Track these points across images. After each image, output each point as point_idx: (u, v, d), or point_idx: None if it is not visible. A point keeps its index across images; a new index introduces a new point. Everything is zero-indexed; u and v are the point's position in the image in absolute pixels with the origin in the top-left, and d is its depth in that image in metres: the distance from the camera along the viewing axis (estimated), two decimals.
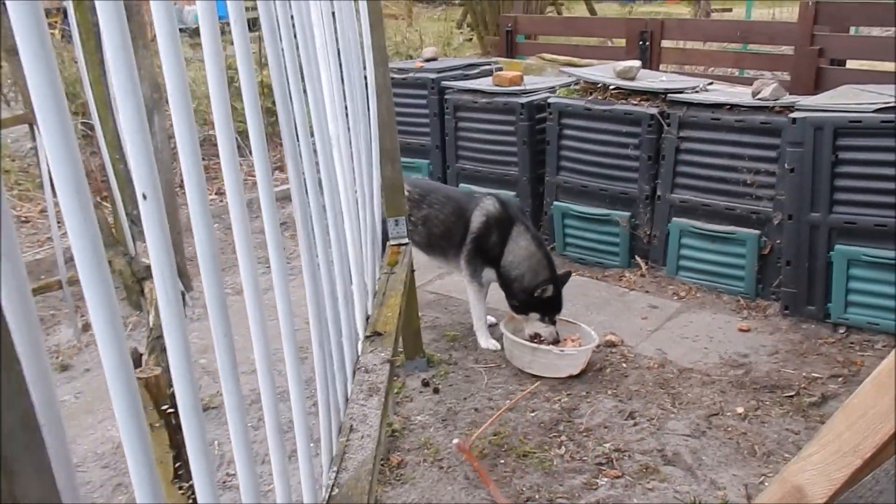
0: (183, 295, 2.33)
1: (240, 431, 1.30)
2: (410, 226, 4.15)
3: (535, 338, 4.06)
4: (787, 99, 4.64)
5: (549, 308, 3.99)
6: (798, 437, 3.39)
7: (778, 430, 3.43)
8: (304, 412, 1.69)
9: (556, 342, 3.99)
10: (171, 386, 1.31)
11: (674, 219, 5.02)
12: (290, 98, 1.75)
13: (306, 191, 1.81)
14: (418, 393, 3.79)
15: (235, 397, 1.27)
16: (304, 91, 1.98)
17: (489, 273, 4.20)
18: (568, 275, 4.21)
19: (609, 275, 5.29)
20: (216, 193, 6.39)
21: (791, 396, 3.69)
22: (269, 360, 1.47)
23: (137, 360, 1.93)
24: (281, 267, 1.57)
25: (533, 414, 3.58)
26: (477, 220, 4.17)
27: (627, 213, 5.20)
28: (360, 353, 2.49)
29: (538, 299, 3.94)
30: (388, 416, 3.43)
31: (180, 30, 1.19)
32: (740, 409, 3.58)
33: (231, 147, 1.31)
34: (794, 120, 4.29)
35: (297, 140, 1.77)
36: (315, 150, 2.09)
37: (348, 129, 2.62)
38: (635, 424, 3.49)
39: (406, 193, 4.06)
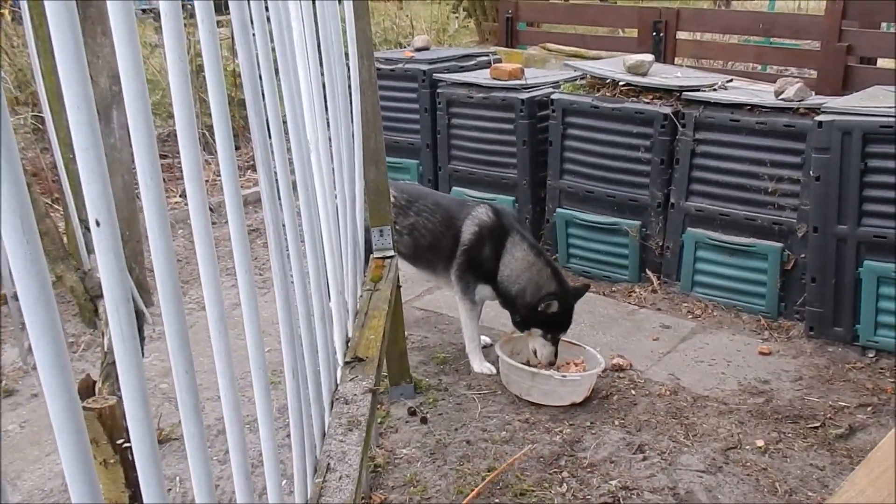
0: (139, 316, 2.30)
1: (202, 474, 1.27)
2: (395, 235, 4.14)
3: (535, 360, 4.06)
4: (813, 100, 4.66)
5: (554, 325, 3.98)
6: (823, 472, 3.38)
7: (801, 466, 3.42)
8: (274, 448, 1.66)
9: (550, 364, 3.98)
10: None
11: (688, 229, 5.02)
12: (262, 92, 1.73)
13: (279, 194, 1.80)
14: (404, 423, 3.77)
15: (196, 439, 1.24)
16: (279, 83, 1.96)
17: (483, 290, 4.19)
18: (584, 288, 4.15)
19: (617, 290, 5.28)
20: (181, 196, 6.37)
21: (816, 428, 3.69)
22: (235, 390, 1.45)
23: (91, 389, 1.90)
24: (248, 280, 1.55)
25: (532, 447, 3.56)
26: (468, 231, 4.16)
27: (637, 223, 5.20)
28: (338, 382, 2.47)
29: (543, 315, 3.94)
30: (370, 450, 3.40)
31: (146, 10, 1.17)
32: (760, 442, 3.57)
33: (192, 142, 1.29)
34: (819, 123, 4.31)
35: (269, 137, 1.75)
36: (290, 150, 2.08)
37: (328, 127, 2.61)
38: (644, 459, 3.48)
39: (392, 199, 4.04)
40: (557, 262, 5.47)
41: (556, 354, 4.01)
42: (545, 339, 4.00)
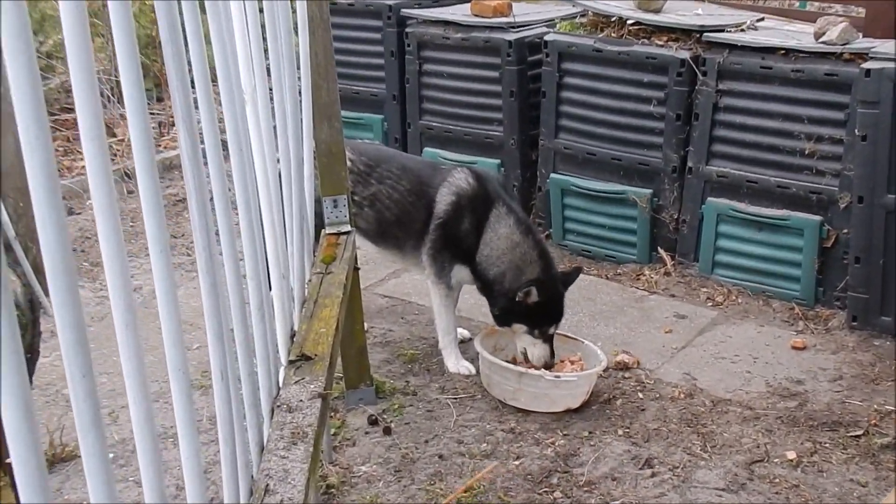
0: (35, 307, 2.27)
1: (104, 500, 1.26)
2: (354, 207, 4.11)
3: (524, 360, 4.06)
4: (860, 43, 4.67)
5: (539, 318, 3.99)
6: (865, 489, 3.42)
7: (840, 482, 3.46)
8: (199, 466, 1.65)
9: (547, 367, 3.98)
10: None
11: (709, 199, 5.03)
12: (183, 28, 1.70)
13: (204, 156, 1.77)
14: (363, 434, 3.76)
15: (97, 458, 1.23)
16: (205, 18, 1.92)
17: (461, 272, 4.19)
18: (575, 273, 4.20)
19: (623, 273, 5.29)
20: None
21: (858, 436, 3.72)
22: (146, 396, 1.43)
23: None
24: (164, 262, 1.52)
25: (518, 462, 3.56)
26: (444, 200, 4.15)
27: (648, 191, 5.20)
28: (281, 385, 2.45)
29: (523, 306, 3.95)
30: (321, 468, 3.40)
31: None
32: (792, 454, 3.60)
33: (89, 89, 1.25)
34: (867, 72, 4.32)
35: (192, 87, 1.73)
36: (220, 102, 2.05)
37: (268, 74, 2.58)
38: (653, 475, 3.49)
39: (349, 164, 4.01)
40: (550, 240, 5.49)
41: (552, 354, 4.02)
42: (533, 337, 4.01)
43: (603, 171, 5.36)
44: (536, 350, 4.00)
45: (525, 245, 4.05)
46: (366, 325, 4.11)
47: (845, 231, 4.62)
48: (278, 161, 2.72)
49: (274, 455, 2.10)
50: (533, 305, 3.93)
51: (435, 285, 4.23)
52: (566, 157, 5.47)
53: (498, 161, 5.74)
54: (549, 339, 4.02)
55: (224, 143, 1.97)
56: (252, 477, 2.04)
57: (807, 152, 4.68)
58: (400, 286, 5.11)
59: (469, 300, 4.60)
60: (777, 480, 3.46)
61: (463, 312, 4.64)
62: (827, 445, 3.67)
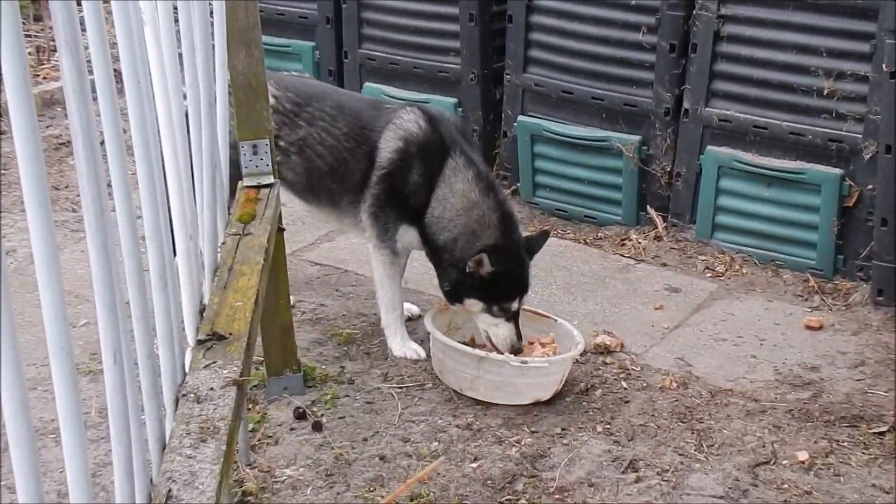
0: None
1: None
2: (279, 155, 4.09)
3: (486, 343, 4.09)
4: None
5: (497, 292, 3.99)
6: (889, 496, 3.48)
7: (860, 487, 3.51)
8: (85, 467, 1.64)
9: (515, 351, 4.01)
10: None
11: (709, 148, 5.07)
12: None
13: (93, 88, 1.75)
14: (288, 430, 3.76)
15: None
16: None
17: (409, 234, 4.20)
18: (541, 237, 4.23)
19: (605, 237, 5.33)
20: None
21: (881, 433, 3.79)
22: (21, 383, 1.42)
23: None
24: (44, 219, 1.51)
25: (476, 465, 3.58)
26: (389, 146, 4.15)
27: (636, 138, 5.24)
28: (187, 370, 2.43)
29: (476, 278, 3.96)
30: (235, 470, 3.39)
31: None
32: (803, 455, 3.64)
33: None
34: None
35: (78, 5, 1.71)
36: (112, 23, 2.02)
37: None
38: (638, 480, 3.53)
39: (272, 101, 3.97)
40: (517, 197, 5.51)
41: (519, 335, 4.04)
42: (492, 315, 4.02)
43: (581, 114, 5.37)
44: (500, 331, 4.02)
45: (484, 206, 4.05)
46: (292, 298, 4.10)
47: (870, 187, 4.68)
48: (185, 97, 2.69)
49: (178, 454, 2.09)
50: (488, 277, 3.94)
51: (377, 250, 4.23)
52: (537, 96, 5.48)
53: (454, 100, 5.74)
54: (513, 318, 4.04)
55: (118, 74, 1.95)
56: (151, 481, 2.03)
57: (825, 92, 4.73)
58: (334, 252, 5.10)
59: (419, 269, 4.61)
60: (786, 486, 3.51)
61: (411, 284, 4.65)
62: (845, 444, 3.73)
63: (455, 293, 4.07)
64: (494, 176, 4.42)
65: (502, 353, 3.98)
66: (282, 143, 4.17)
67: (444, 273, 4.09)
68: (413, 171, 4.13)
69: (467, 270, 3.95)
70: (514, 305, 4.04)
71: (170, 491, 1.99)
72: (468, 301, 4.04)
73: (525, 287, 4.07)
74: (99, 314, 1.77)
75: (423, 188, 4.11)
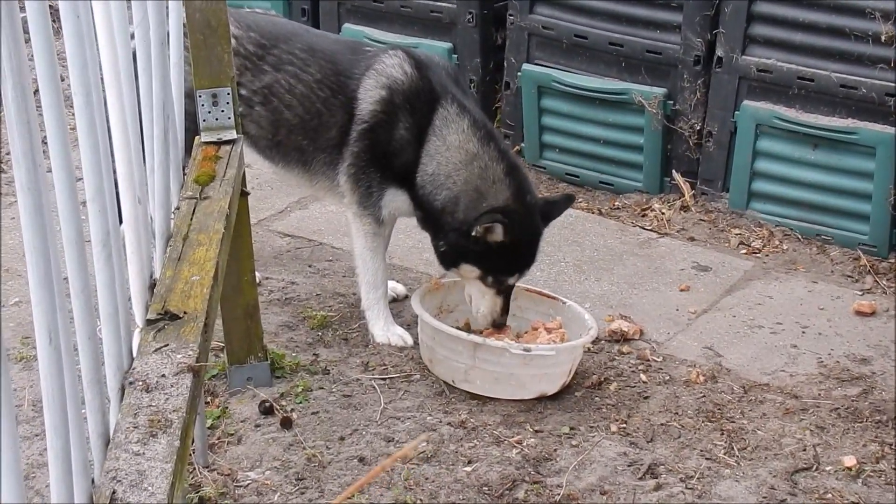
0: None
1: None
2: (242, 106, 4.09)
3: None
4: None
5: (500, 262, 4.01)
6: None
7: None
8: (16, 468, 1.65)
9: (495, 327, 4.03)
10: None
11: (745, 103, 5.08)
12: None
13: (26, 27, 1.75)
14: (253, 427, 3.78)
15: None
16: None
17: (396, 199, 4.20)
18: (565, 201, 4.22)
19: (623, 206, 5.34)
20: None
21: None
22: None
23: None
24: None
25: (470, 468, 3.60)
26: (370, 96, 4.15)
27: (660, 91, 5.25)
28: (135, 355, 2.43)
29: (480, 244, 3.96)
30: (191, 472, 3.40)
31: None
32: (850, 460, 3.66)
33: None
34: None
35: None
36: None
37: None
38: (658, 488, 3.55)
39: (233, 42, 3.97)
40: (521, 159, 5.50)
41: (504, 310, 4.06)
42: (484, 284, 4.04)
43: (597, 62, 5.38)
44: (483, 303, 4.05)
45: (486, 156, 4.05)
46: (258, 275, 4.11)
47: None
48: (132, 37, 2.69)
49: (124, 451, 2.09)
50: (495, 246, 3.95)
51: (358, 219, 4.24)
52: (545, 42, 5.49)
53: (448, 45, 5.75)
54: (506, 293, 4.06)
55: (55, 12, 1.95)
56: (93, 481, 2.04)
57: (883, 38, 4.73)
58: (307, 221, 5.11)
59: (406, 241, 4.62)
60: (829, 496, 3.53)
61: (396, 259, 4.66)
62: None
63: (451, 257, 4.08)
64: (493, 125, 4.41)
65: (490, 330, 4.02)
66: (244, 92, 4.16)
67: (444, 236, 4.08)
68: (399, 125, 4.13)
69: (473, 234, 3.95)
70: (513, 280, 4.07)
71: (114, 493, 1.99)
72: (465, 266, 4.06)
73: (531, 261, 4.09)
74: (32, 288, 1.77)
75: (411, 144, 4.12)
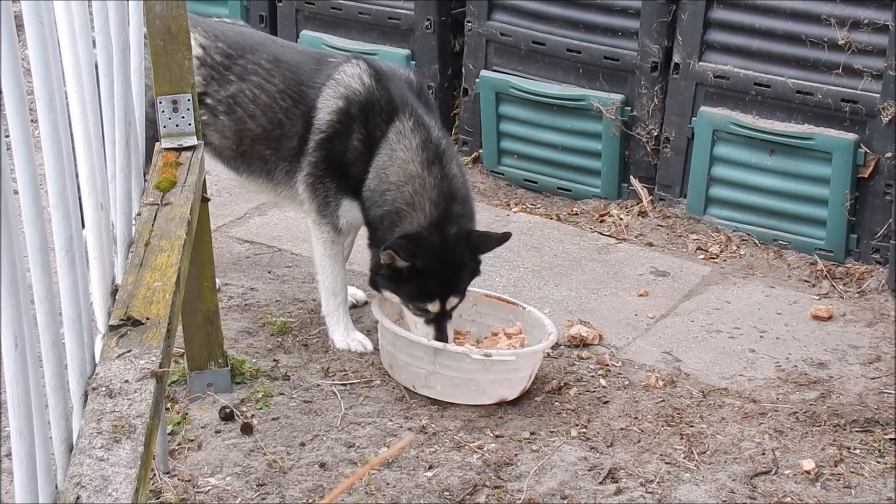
0: None
1: None
2: (205, 113, 4.08)
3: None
4: None
5: (414, 290, 3.99)
6: None
7: (873, 500, 3.55)
8: None
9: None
10: None
11: (702, 109, 5.10)
12: None
13: None
14: (213, 433, 3.77)
15: None
16: None
17: (352, 209, 4.21)
18: (498, 239, 4.11)
19: (581, 212, 5.36)
20: None
21: None
22: None
23: None
24: None
25: (431, 473, 3.61)
26: (328, 105, 4.15)
27: (618, 97, 5.27)
28: (98, 360, 2.43)
29: (390, 268, 3.95)
30: (152, 478, 3.40)
31: None
32: (809, 464, 3.69)
33: None
34: None
35: None
36: None
37: None
38: (619, 492, 3.57)
39: (199, 52, 3.97)
40: (478, 165, 5.51)
41: (444, 337, 4.02)
42: (410, 312, 4.03)
43: (555, 69, 5.40)
44: (417, 332, 4.02)
45: (422, 179, 4.03)
46: (218, 281, 4.10)
47: (888, 155, 4.73)
48: (94, 43, 2.69)
49: (88, 456, 2.09)
50: (404, 271, 3.94)
51: (317, 227, 4.25)
52: (503, 48, 5.50)
53: (407, 52, 5.76)
54: (434, 320, 4.02)
55: (18, 19, 1.95)
56: (56, 487, 2.04)
57: (839, 43, 4.77)
58: (266, 227, 5.10)
59: (365, 248, 4.61)
60: (788, 499, 3.55)
61: (356, 265, 4.67)
62: (857, 452, 3.78)
63: (373, 280, 4.11)
64: (450, 145, 4.35)
65: (465, 346, 4.00)
66: (209, 101, 4.16)
67: (371, 254, 4.12)
68: (353, 136, 4.13)
69: (380, 258, 3.97)
70: (433, 307, 4.01)
71: (78, 498, 1.99)
72: (385, 292, 4.07)
73: (450, 290, 4.02)
74: None
75: (363, 156, 4.12)
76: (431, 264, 3.95)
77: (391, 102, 4.14)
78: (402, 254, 3.87)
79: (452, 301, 4.03)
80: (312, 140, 4.16)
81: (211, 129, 4.15)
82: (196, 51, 3.95)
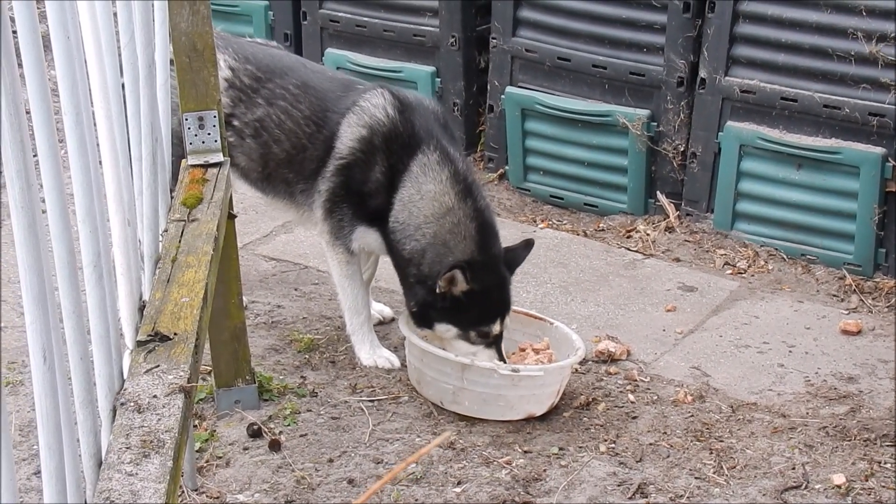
0: None
1: None
2: (232, 135, 4.08)
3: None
4: None
5: (474, 315, 3.99)
6: None
7: None
8: (12, 487, 1.65)
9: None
10: None
11: (729, 124, 5.10)
12: None
13: (17, 49, 1.76)
14: (241, 450, 3.77)
15: None
16: None
17: (367, 236, 4.20)
18: (524, 248, 4.19)
19: (608, 228, 5.35)
20: None
21: None
22: None
23: None
24: None
25: (460, 489, 3.60)
26: (350, 133, 4.14)
27: (644, 112, 5.27)
28: (126, 376, 2.44)
29: (447, 299, 3.95)
30: (180, 496, 3.40)
31: None
32: (839, 478, 3.67)
33: None
34: None
35: None
36: None
37: None
38: None
39: (228, 73, 3.98)
40: (505, 181, 5.51)
41: (503, 358, 4.03)
42: (470, 343, 4.02)
43: (580, 84, 5.40)
44: (479, 359, 3.98)
45: (460, 212, 4.03)
46: (245, 298, 4.10)
47: None
48: (120, 59, 2.69)
49: (117, 471, 2.09)
50: (463, 298, 3.94)
51: (331, 248, 4.25)
52: (528, 64, 5.50)
53: (432, 69, 5.76)
54: (494, 343, 4.03)
55: (45, 37, 1.95)
56: (85, 502, 2.04)
57: (867, 57, 4.75)
58: (292, 245, 5.11)
59: (391, 266, 4.61)
60: None
61: (382, 282, 4.67)
62: (888, 466, 3.76)
63: (424, 316, 4.05)
64: (476, 176, 4.38)
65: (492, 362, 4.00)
66: (236, 123, 4.17)
67: (412, 291, 4.08)
68: (375, 167, 4.11)
69: (438, 290, 3.94)
70: (496, 328, 4.03)
71: None
72: (440, 326, 4.03)
73: (507, 306, 4.07)
74: (26, 307, 1.78)
75: (385, 187, 4.11)
76: (489, 286, 3.99)
77: (415, 135, 4.12)
78: (467, 276, 3.88)
79: (507, 319, 4.06)
80: (332, 164, 4.16)
81: (237, 151, 4.16)
82: (225, 73, 3.97)
